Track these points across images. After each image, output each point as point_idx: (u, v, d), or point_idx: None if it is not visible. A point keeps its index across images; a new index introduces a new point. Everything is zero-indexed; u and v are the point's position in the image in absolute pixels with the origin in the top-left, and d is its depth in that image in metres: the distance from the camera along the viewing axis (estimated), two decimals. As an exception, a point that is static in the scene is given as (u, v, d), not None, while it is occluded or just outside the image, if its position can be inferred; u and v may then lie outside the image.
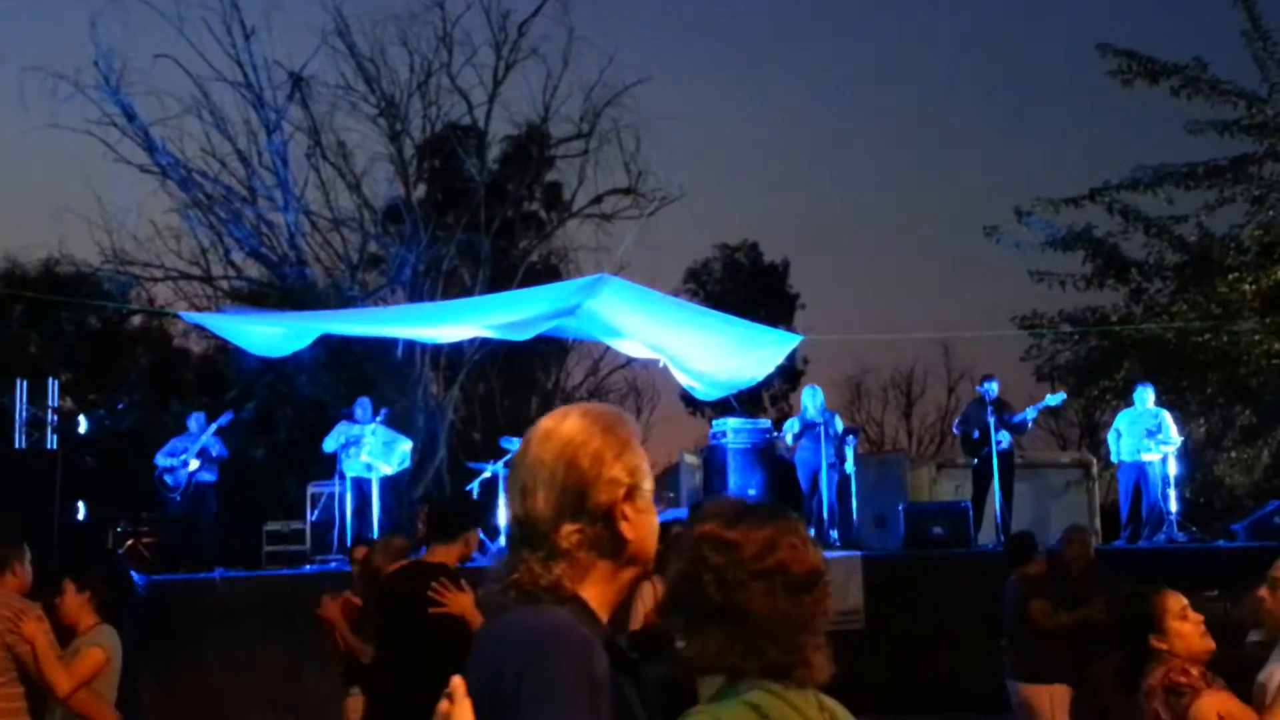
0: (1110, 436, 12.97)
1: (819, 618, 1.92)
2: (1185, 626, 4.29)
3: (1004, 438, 12.54)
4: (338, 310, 18.98)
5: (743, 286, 33.07)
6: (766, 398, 30.65)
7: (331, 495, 12.88)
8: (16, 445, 12.72)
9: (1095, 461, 14.72)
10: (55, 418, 13.01)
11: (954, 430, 14.27)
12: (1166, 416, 12.69)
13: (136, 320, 25.42)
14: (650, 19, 47.76)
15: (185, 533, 12.71)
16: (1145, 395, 12.81)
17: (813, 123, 51.75)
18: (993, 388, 12.87)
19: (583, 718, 1.82)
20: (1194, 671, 4.20)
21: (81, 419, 13.50)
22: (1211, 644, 4.30)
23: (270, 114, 22.39)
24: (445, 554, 5.27)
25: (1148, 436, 12.51)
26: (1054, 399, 13.13)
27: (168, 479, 12.68)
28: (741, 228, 46.36)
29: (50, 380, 13.40)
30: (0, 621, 5.83)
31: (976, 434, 12.75)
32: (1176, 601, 4.37)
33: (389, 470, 12.89)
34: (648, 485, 2.08)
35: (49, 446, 12.87)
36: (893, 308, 49.60)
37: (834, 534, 12.36)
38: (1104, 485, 13.52)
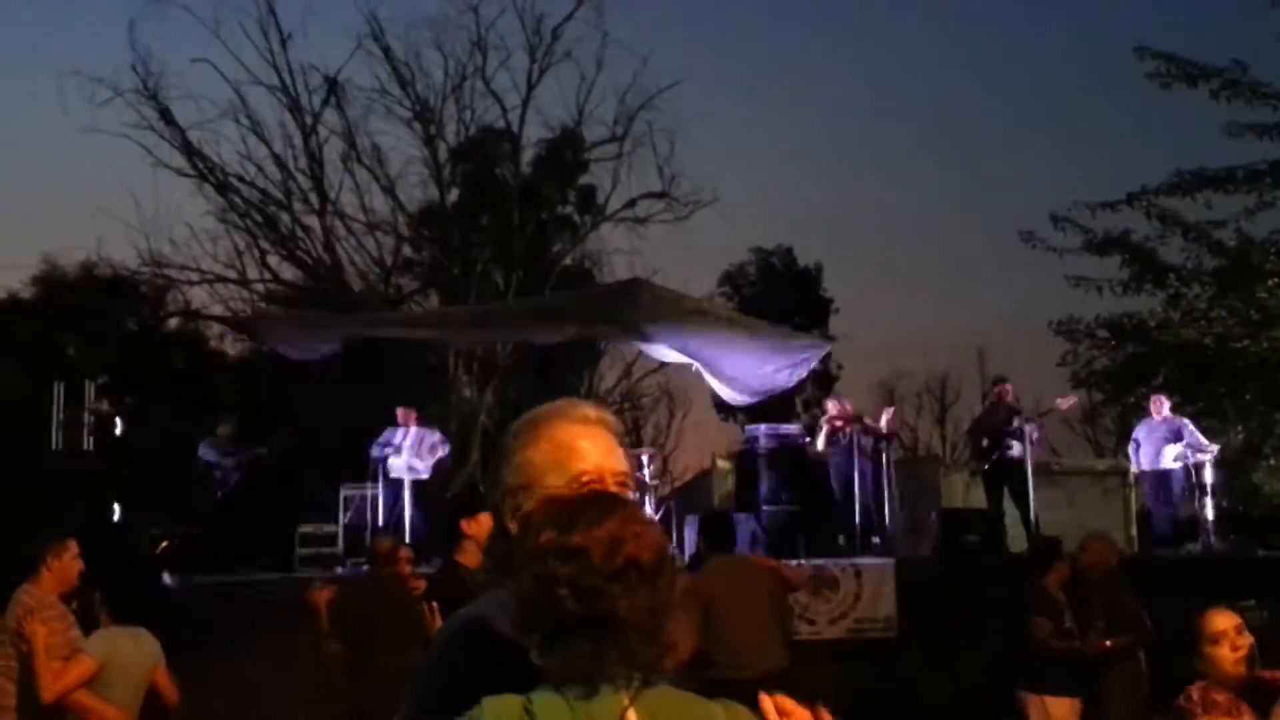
0: (1130, 448, 12.92)
1: (675, 596, 1.79)
2: (1218, 651, 4.34)
3: (1014, 444, 12.43)
4: (372, 314, 19.07)
5: (777, 290, 33.01)
6: (799, 403, 30.55)
7: (364, 498, 12.95)
8: (53, 447, 12.81)
9: (1132, 468, 14.61)
10: (92, 420, 13.09)
11: (968, 436, 14.17)
12: (1187, 423, 12.61)
13: (172, 323, 25.64)
14: (684, 22, 47.81)
15: (221, 533, 12.88)
16: (1160, 405, 12.76)
17: (848, 126, 51.69)
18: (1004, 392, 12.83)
19: (428, 711, 1.88)
20: (1195, 695, 4.26)
21: (118, 421, 13.56)
22: (1244, 670, 4.33)
23: (306, 118, 22.56)
24: (461, 554, 5.34)
25: (1165, 444, 12.44)
26: (1062, 403, 13.05)
27: (217, 474, 12.96)
28: (777, 231, 46.23)
29: (87, 382, 13.47)
30: (14, 619, 5.88)
31: (985, 441, 12.70)
32: (1217, 623, 4.41)
33: (425, 473, 13.03)
34: (552, 479, 2.02)
35: (86, 449, 12.95)
36: (927, 313, 49.47)
37: (877, 540, 12.31)
38: (1140, 493, 13.38)
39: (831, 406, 13.07)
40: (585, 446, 2.06)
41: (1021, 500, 12.29)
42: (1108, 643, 7.94)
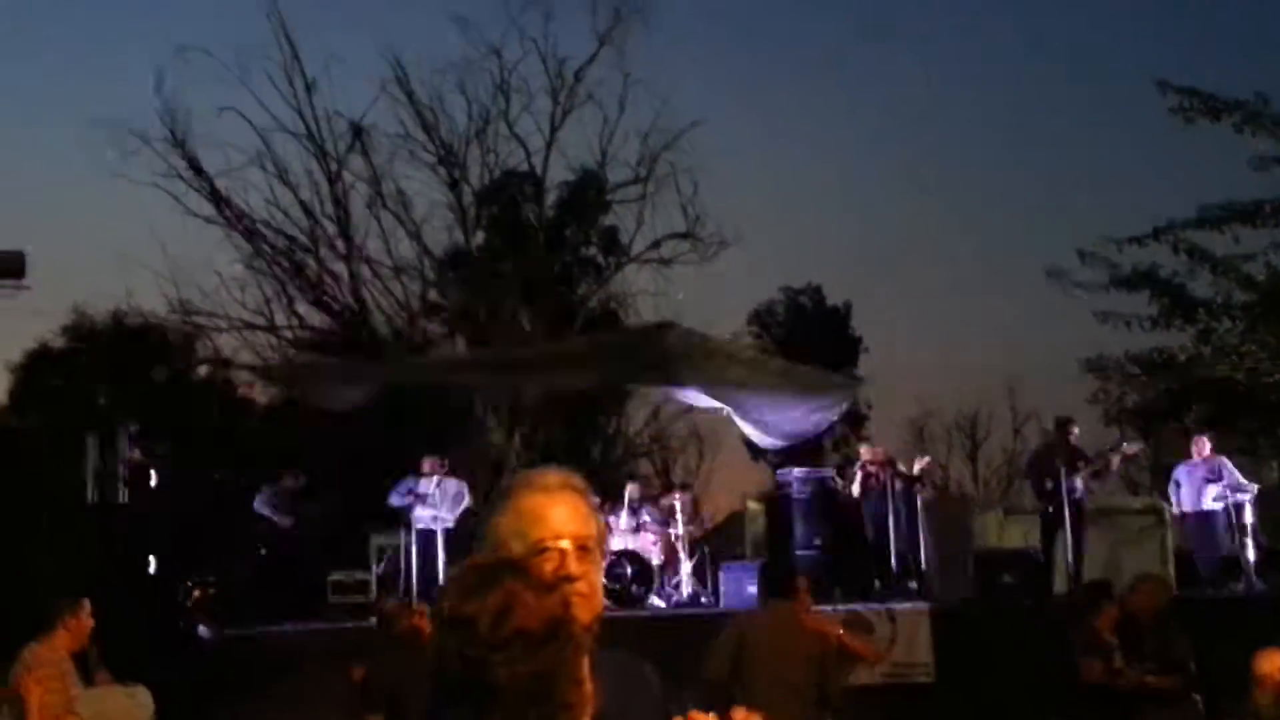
0: (1170, 489, 12.81)
1: (568, 661, 1.82)
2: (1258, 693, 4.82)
3: (1078, 486, 12.25)
4: (400, 360, 19.11)
5: (807, 330, 32.91)
6: (829, 445, 30.41)
7: (396, 546, 12.94)
8: (89, 498, 12.83)
9: (1168, 507, 14.46)
10: (126, 471, 13.12)
11: (1025, 474, 13.99)
12: (1226, 463, 12.48)
13: (202, 371, 25.77)
14: (707, 60, 48.04)
15: (253, 582, 12.94)
16: (1201, 445, 12.66)
17: (877, 163, 51.59)
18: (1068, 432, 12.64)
19: None
20: None
21: (152, 472, 13.60)
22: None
23: (332, 164, 22.73)
24: None
25: (1206, 485, 12.34)
26: (1131, 446, 12.95)
27: (264, 528, 13.19)
28: (805, 269, 46.05)
29: (120, 431, 13.51)
30: (15, 678, 5.93)
31: (1050, 482, 12.43)
32: (1260, 666, 4.83)
33: (452, 523, 13.00)
34: (515, 546, 2.14)
35: (121, 500, 12.97)
36: (957, 350, 49.16)
37: (912, 584, 12.23)
38: (1177, 532, 13.24)
39: (865, 451, 13.05)
40: (546, 514, 2.15)
41: (1075, 542, 12.13)
42: (1149, 679, 7.84)
